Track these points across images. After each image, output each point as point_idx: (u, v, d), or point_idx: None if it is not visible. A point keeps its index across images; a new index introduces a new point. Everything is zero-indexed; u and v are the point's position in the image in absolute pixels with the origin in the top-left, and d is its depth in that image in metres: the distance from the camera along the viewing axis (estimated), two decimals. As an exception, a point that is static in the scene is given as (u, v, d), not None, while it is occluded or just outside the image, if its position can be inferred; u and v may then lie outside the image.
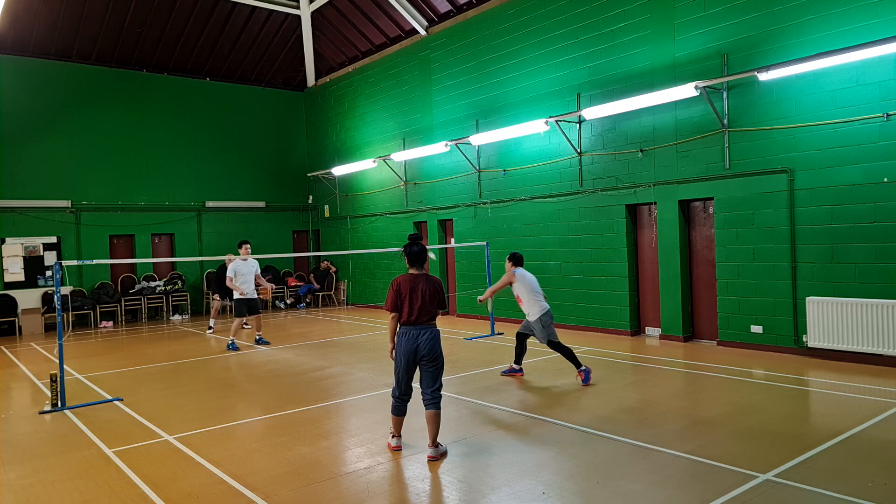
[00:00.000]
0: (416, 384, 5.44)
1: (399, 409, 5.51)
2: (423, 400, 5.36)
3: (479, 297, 8.25)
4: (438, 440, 5.41)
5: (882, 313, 7.83)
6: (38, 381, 9.13)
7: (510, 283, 8.12)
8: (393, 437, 5.62)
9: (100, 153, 16.43)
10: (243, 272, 11.20)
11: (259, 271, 11.50)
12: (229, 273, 11.20)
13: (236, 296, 11.28)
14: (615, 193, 10.97)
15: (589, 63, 11.22)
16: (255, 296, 11.45)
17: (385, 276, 16.89)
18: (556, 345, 7.77)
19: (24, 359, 11.25)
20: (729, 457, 4.98)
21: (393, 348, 5.46)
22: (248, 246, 11.44)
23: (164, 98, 17.53)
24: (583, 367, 7.62)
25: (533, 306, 7.91)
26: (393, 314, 5.38)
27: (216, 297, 14.25)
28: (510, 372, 8.28)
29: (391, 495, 4.58)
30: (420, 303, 5.25)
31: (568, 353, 7.73)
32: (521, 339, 8.22)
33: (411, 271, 5.43)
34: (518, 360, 8.25)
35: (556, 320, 11.81)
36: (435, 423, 5.33)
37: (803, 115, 8.56)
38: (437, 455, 5.32)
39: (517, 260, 8.37)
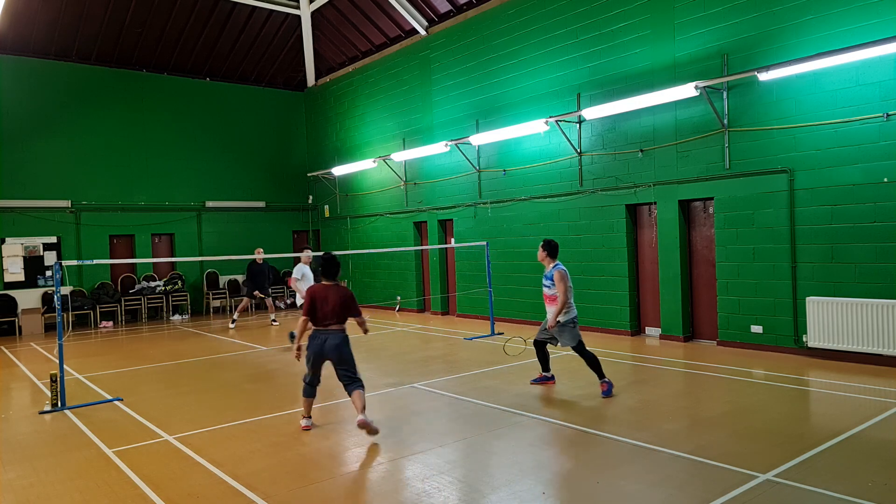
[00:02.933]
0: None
1: (308, 392, 6.19)
2: (346, 390, 6.00)
3: (549, 325, 7.20)
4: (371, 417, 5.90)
5: (882, 313, 7.83)
6: (38, 381, 9.14)
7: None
8: (304, 418, 6.28)
9: (100, 153, 16.43)
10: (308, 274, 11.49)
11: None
12: (295, 274, 11.39)
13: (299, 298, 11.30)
14: (615, 193, 10.96)
15: (589, 63, 11.22)
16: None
17: (385, 276, 16.89)
18: (583, 350, 7.19)
19: (24, 359, 11.25)
20: (729, 457, 4.98)
21: (298, 347, 6.17)
22: (309, 251, 11.66)
23: (164, 98, 17.53)
24: (606, 379, 7.12)
25: (570, 308, 7.21)
26: (304, 317, 6.04)
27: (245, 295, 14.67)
28: (541, 380, 7.62)
29: (391, 495, 4.58)
30: (328, 308, 5.88)
31: (594, 361, 7.17)
32: (542, 346, 7.55)
33: (323, 282, 6.04)
34: (546, 367, 7.61)
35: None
36: (360, 400, 5.87)
37: (803, 115, 8.56)
38: (368, 422, 5.74)
39: (556, 251, 7.45)
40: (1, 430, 6.69)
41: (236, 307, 14.99)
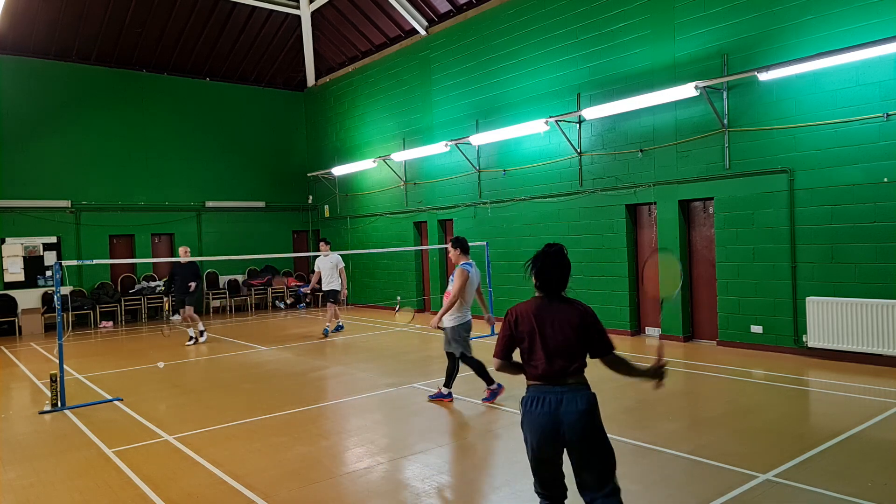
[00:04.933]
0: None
1: None
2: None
3: (432, 324, 6.82)
4: None
5: (882, 313, 7.83)
6: (38, 381, 9.14)
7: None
8: None
9: (100, 153, 16.43)
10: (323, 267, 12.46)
11: (342, 265, 12.59)
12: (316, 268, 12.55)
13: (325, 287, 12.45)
14: (615, 193, 10.96)
15: (589, 63, 11.22)
16: (333, 288, 12.44)
17: (385, 275, 16.89)
18: (469, 359, 6.91)
19: (24, 359, 11.25)
20: (729, 457, 4.98)
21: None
22: (322, 244, 12.67)
23: (164, 98, 17.53)
24: (494, 385, 6.93)
25: (464, 311, 6.88)
26: (500, 362, 3.34)
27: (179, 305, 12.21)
28: (438, 397, 7.03)
29: (391, 495, 4.58)
30: (557, 343, 3.18)
31: (480, 368, 6.93)
32: (466, 359, 6.97)
33: (538, 296, 3.31)
34: (489, 379, 6.97)
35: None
36: None
37: (803, 115, 8.56)
38: None
39: (466, 247, 7.05)
40: (1, 430, 6.69)
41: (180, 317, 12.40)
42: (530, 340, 3.22)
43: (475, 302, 7.16)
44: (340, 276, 12.42)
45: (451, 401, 7.07)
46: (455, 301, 6.78)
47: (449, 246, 7.15)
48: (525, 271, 3.35)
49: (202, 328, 12.33)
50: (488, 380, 6.94)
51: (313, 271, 12.73)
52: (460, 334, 6.88)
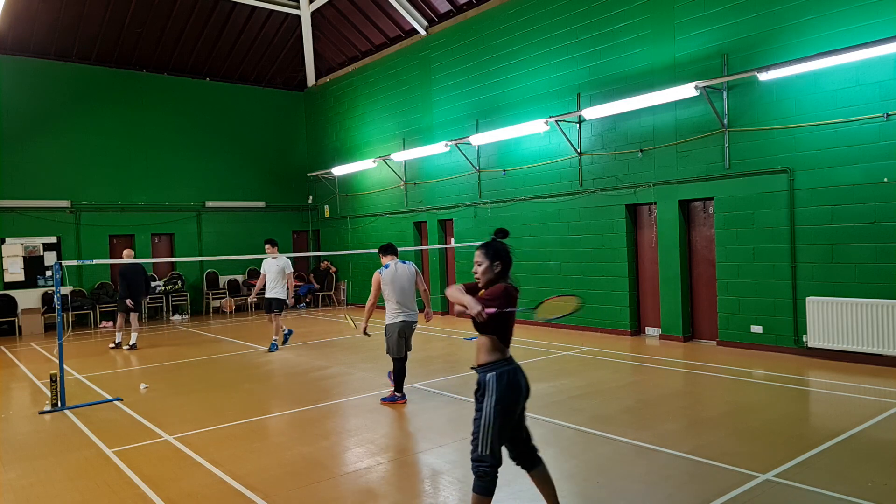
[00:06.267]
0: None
1: (492, 485, 3.78)
2: (528, 460, 3.94)
3: (360, 330, 7.34)
4: None
5: (882, 313, 7.83)
6: (38, 381, 9.13)
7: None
8: None
9: (100, 153, 16.43)
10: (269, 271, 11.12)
11: (290, 270, 11.17)
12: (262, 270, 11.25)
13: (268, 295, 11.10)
14: (615, 193, 10.96)
15: (589, 63, 11.22)
16: (276, 296, 11.06)
17: (385, 276, 16.84)
18: (395, 360, 7.07)
19: (24, 359, 11.25)
20: (729, 457, 4.98)
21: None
22: (268, 246, 11.26)
23: (164, 98, 17.53)
24: (402, 393, 7.07)
25: (396, 311, 7.06)
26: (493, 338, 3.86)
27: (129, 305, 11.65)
28: (391, 400, 7.11)
29: (391, 495, 4.58)
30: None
31: (401, 374, 7.11)
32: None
33: (506, 281, 4.08)
34: (401, 386, 7.14)
35: (557, 320, 11.81)
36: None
37: (803, 115, 8.56)
38: None
39: (389, 250, 7.31)
40: (1, 430, 6.69)
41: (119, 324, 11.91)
42: (512, 319, 3.88)
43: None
44: (287, 282, 11.06)
45: (405, 402, 7.10)
46: (371, 306, 7.18)
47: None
48: (495, 259, 4.05)
49: (133, 339, 11.61)
50: (399, 387, 7.09)
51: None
52: (389, 332, 7.08)
